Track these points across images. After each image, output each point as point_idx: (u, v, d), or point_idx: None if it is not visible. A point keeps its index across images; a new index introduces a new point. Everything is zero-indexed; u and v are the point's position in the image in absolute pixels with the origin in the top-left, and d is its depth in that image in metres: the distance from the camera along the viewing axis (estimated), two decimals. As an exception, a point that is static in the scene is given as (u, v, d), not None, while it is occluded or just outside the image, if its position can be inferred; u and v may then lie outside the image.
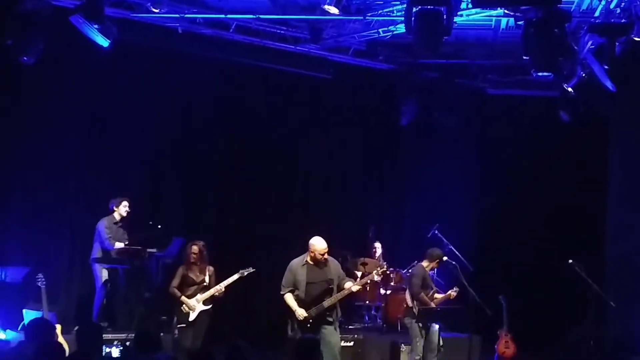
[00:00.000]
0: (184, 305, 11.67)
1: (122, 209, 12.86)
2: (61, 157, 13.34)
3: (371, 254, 15.09)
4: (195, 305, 11.67)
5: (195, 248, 11.77)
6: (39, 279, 11.18)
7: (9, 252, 12.27)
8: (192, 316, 11.69)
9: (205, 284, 11.77)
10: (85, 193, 13.52)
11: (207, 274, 11.84)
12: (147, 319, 12.48)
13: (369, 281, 12.10)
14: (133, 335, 11.08)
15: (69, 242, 13.43)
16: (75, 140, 13.57)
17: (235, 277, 11.81)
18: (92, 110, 13.75)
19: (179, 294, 11.70)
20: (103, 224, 12.71)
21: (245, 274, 11.86)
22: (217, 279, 11.88)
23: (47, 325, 8.25)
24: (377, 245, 15.17)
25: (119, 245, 12.60)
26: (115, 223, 12.86)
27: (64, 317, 12.07)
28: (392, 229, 16.42)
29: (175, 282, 11.77)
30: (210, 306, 11.78)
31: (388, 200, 16.70)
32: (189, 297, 11.70)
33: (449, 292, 12.11)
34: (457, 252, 13.70)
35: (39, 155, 13.08)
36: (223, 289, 11.74)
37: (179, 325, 11.72)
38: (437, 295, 12.10)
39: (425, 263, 12.11)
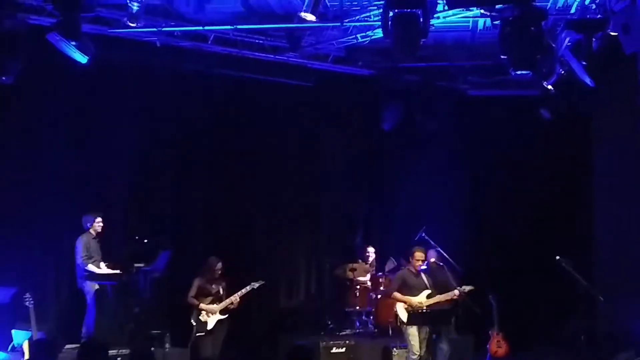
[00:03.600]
0: (202, 314, 12.15)
1: (97, 226, 12.84)
2: (45, 175, 13.31)
3: (364, 259, 15.10)
4: (215, 312, 12.19)
5: (220, 265, 12.42)
6: (27, 299, 11.15)
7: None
8: (210, 324, 12.24)
9: (219, 295, 12.35)
10: (71, 211, 13.43)
11: (221, 286, 12.44)
12: (138, 334, 12.47)
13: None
14: (124, 351, 11.18)
15: (55, 261, 13.38)
16: (59, 158, 13.53)
17: (248, 288, 12.40)
18: (75, 127, 13.74)
19: (197, 302, 12.25)
20: (80, 243, 12.66)
21: (257, 286, 12.44)
22: (229, 291, 12.43)
23: (53, 345, 8.30)
24: (370, 250, 15.22)
25: (92, 267, 12.56)
26: (94, 238, 12.83)
27: (54, 336, 11.98)
28: (379, 233, 16.42)
29: (192, 292, 12.34)
30: (226, 315, 12.34)
31: (374, 205, 16.71)
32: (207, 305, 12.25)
33: (453, 291, 12.12)
34: (445, 254, 13.72)
35: (23, 175, 13.05)
36: (238, 300, 12.30)
37: (197, 334, 12.18)
38: (438, 296, 12.08)
39: (409, 265, 12.18)
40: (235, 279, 12.49)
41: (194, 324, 12.24)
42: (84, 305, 12.63)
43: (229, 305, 12.30)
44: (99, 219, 12.82)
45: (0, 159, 12.84)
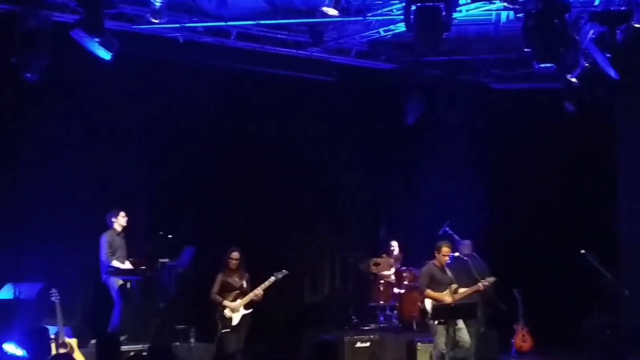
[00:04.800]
0: (227, 311, 12.13)
1: (122, 220, 12.90)
2: (70, 172, 13.36)
3: (389, 254, 15.09)
4: (239, 309, 12.15)
5: (236, 254, 12.32)
6: (53, 294, 11.21)
7: (22, 268, 12.27)
8: (235, 320, 12.21)
9: (243, 289, 12.28)
10: (95, 206, 13.52)
11: (244, 279, 12.35)
12: (162, 329, 12.55)
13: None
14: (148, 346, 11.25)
15: (82, 256, 13.45)
16: (84, 154, 13.60)
17: (272, 280, 12.31)
18: (98, 123, 13.80)
19: (220, 299, 12.21)
20: (104, 239, 12.74)
21: (280, 277, 12.34)
22: (253, 284, 12.36)
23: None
24: (394, 244, 15.21)
25: (116, 263, 12.64)
26: (118, 234, 12.89)
27: (80, 331, 12.09)
28: (403, 228, 16.41)
29: (215, 288, 12.30)
30: (250, 310, 12.30)
31: (398, 200, 16.70)
32: (230, 302, 12.20)
33: (478, 284, 12.09)
34: (469, 241, 13.68)
35: (48, 171, 13.10)
36: (262, 293, 12.23)
37: (222, 331, 12.14)
38: (461, 290, 12.05)
39: (435, 260, 12.14)
40: (260, 274, 12.46)
41: (218, 321, 12.20)
42: (110, 301, 12.72)
43: (253, 298, 12.26)
44: (122, 213, 12.88)
45: (26, 155, 12.92)
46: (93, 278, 13.31)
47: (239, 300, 12.21)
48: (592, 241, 13.31)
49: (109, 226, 12.88)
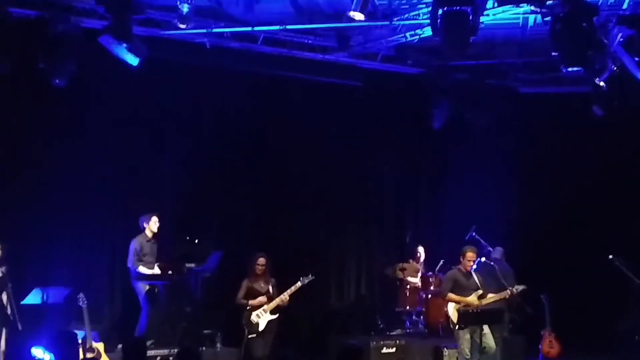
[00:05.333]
0: (253, 316, 12.14)
1: (153, 225, 12.92)
2: (97, 176, 13.45)
3: (415, 259, 15.06)
4: (264, 314, 12.15)
5: (262, 260, 12.32)
6: (80, 299, 11.26)
7: (50, 273, 12.36)
8: (262, 326, 12.20)
9: (269, 294, 12.27)
10: (123, 211, 13.61)
11: (270, 284, 12.35)
12: (189, 334, 12.57)
13: None
14: (176, 351, 11.29)
15: (109, 261, 13.55)
16: (111, 159, 13.68)
17: (298, 285, 12.30)
18: (126, 129, 13.84)
19: (246, 302, 12.20)
20: (134, 245, 12.77)
21: (306, 281, 12.33)
22: (278, 290, 12.36)
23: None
24: (420, 249, 15.17)
25: (142, 269, 12.67)
26: (148, 240, 12.91)
27: (107, 335, 12.16)
28: (430, 232, 16.37)
29: (241, 293, 12.31)
30: (277, 315, 12.29)
31: (425, 204, 16.67)
32: (256, 308, 12.19)
33: (505, 291, 12.03)
34: (501, 248, 13.62)
35: (76, 176, 13.18)
36: (288, 298, 12.23)
37: (249, 336, 12.13)
38: (490, 295, 11.99)
39: (460, 265, 12.10)
40: (286, 279, 12.46)
41: (245, 326, 12.17)
42: (137, 305, 12.75)
43: (279, 304, 12.25)
44: (155, 218, 12.91)
45: (54, 160, 12.99)
46: (120, 283, 13.40)
47: (265, 306, 12.20)
48: (620, 246, 13.18)
49: (141, 229, 12.93)
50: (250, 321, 12.15)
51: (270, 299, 12.24)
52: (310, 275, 12.35)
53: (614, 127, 14.76)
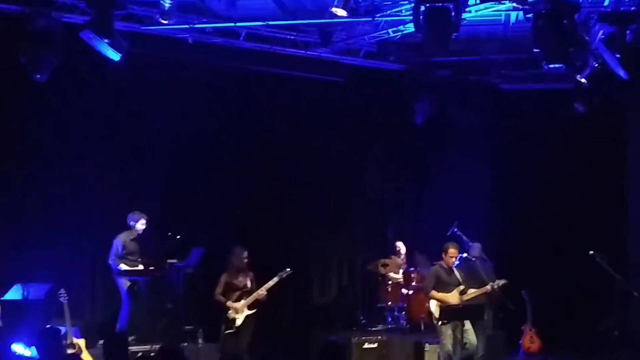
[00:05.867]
0: (230, 312, 12.06)
1: (140, 226, 12.91)
2: (79, 171, 13.41)
3: (396, 254, 15.08)
4: (242, 310, 12.07)
5: (246, 253, 12.26)
6: (61, 295, 11.22)
7: (30, 268, 12.30)
8: (239, 321, 12.13)
9: (247, 289, 12.20)
10: (104, 206, 13.57)
11: (248, 278, 12.27)
12: (171, 330, 12.55)
13: None
14: (157, 346, 11.25)
15: (90, 257, 13.49)
16: (93, 154, 13.63)
17: (275, 279, 12.21)
18: (108, 124, 13.81)
19: (224, 300, 12.13)
20: (118, 242, 12.77)
21: (284, 276, 12.25)
22: (257, 283, 12.27)
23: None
24: (400, 244, 15.19)
25: (124, 266, 12.66)
26: (133, 239, 12.89)
27: (89, 331, 12.12)
28: (411, 228, 16.40)
29: (219, 289, 12.21)
30: (254, 310, 12.20)
31: (406, 200, 16.70)
32: (234, 302, 12.13)
33: (486, 286, 12.09)
34: (479, 243, 13.65)
35: (57, 172, 13.14)
36: (265, 293, 12.14)
37: (226, 332, 12.08)
38: (471, 291, 12.04)
39: (442, 261, 12.14)
40: (269, 275, 12.42)
41: (222, 322, 12.17)
42: (119, 301, 12.74)
43: (257, 298, 12.17)
44: (143, 221, 12.90)
45: (35, 156, 12.95)
46: (101, 278, 13.37)
47: (242, 301, 12.15)
48: (601, 242, 13.25)
49: (128, 226, 12.90)
50: (227, 316, 12.10)
51: (248, 293, 12.16)
52: (287, 270, 12.27)
53: (594, 123, 14.83)
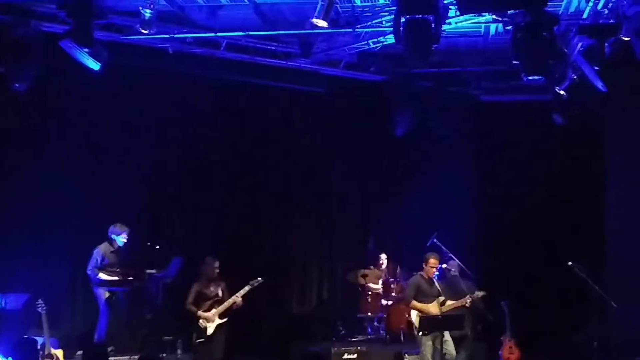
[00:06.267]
0: (201, 321, 12.16)
1: (121, 240, 12.86)
2: (58, 182, 13.35)
3: (377, 265, 15.08)
4: (213, 319, 12.14)
5: (217, 263, 12.42)
6: (39, 305, 11.18)
7: (9, 279, 12.23)
8: (210, 330, 12.23)
9: (218, 297, 12.34)
10: (84, 216, 13.51)
11: (220, 287, 12.42)
12: (150, 340, 12.50)
13: None
14: (136, 357, 11.22)
15: (69, 267, 13.45)
16: (72, 164, 13.58)
17: (247, 288, 12.34)
18: (88, 134, 13.80)
19: (195, 309, 12.24)
20: (97, 254, 12.70)
21: (255, 284, 12.37)
22: (229, 292, 12.40)
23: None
24: (383, 256, 15.19)
25: (103, 276, 12.59)
26: (112, 252, 12.84)
27: (67, 342, 12.05)
28: (392, 239, 16.39)
29: (191, 298, 12.36)
30: (226, 319, 12.29)
31: (387, 211, 16.68)
32: (205, 312, 12.25)
33: (465, 298, 12.12)
34: (457, 260, 13.69)
35: (36, 182, 13.09)
36: (241, 300, 12.29)
37: (197, 341, 12.17)
38: (448, 302, 12.07)
39: (422, 271, 12.16)
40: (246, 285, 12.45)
41: (193, 331, 12.25)
42: (97, 311, 12.67)
43: (233, 306, 12.26)
44: (125, 235, 12.85)
45: (14, 166, 12.89)
46: (80, 289, 13.32)
47: (213, 310, 12.23)
48: (580, 253, 13.32)
49: (108, 237, 12.83)
50: (199, 325, 12.20)
51: (219, 302, 12.28)
52: (259, 278, 12.40)
53: (573, 135, 14.90)
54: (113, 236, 12.83)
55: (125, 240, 12.87)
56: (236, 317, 12.65)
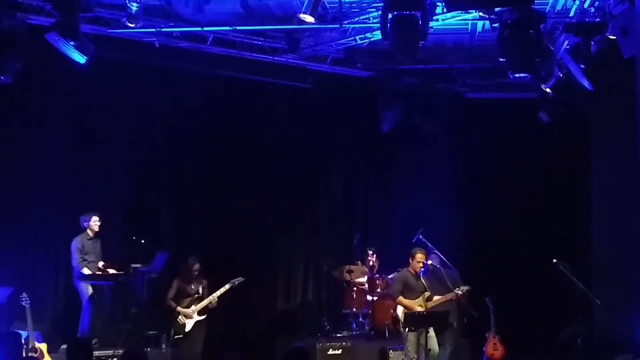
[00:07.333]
0: (180, 317, 12.12)
1: (94, 225, 12.79)
2: (43, 175, 13.31)
3: (363, 261, 15.08)
4: (192, 315, 12.09)
5: (198, 265, 12.36)
6: (23, 299, 11.14)
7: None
8: (188, 327, 12.19)
9: (198, 295, 12.27)
10: (67, 211, 13.44)
11: (201, 285, 12.34)
12: (134, 334, 12.47)
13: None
14: (120, 351, 11.19)
15: (52, 260, 13.39)
16: (57, 157, 13.53)
17: (227, 287, 12.28)
18: (73, 127, 13.74)
19: (174, 305, 12.19)
20: (76, 244, 12.63)
21: (236, 283, 12.31)
22: (210, 290, 12.31)
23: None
24: (370, 252, 15.18)
25: (86, 270, 12.53)
26: (90, 239, 12.77)
27: (51, 336, 12.01)
28: (378, 235, 16.42)
29: (171, 294, 12.30)
30: (204, 316, 12.24)
31: (373, 207, 16.70)
32: (184, 308, 12.22)
33: (451, 293, 12.14)
34: (442, 256, 13.71)
35: (20, 175, 13.05)
36: (217, 299, 12.16)
37: (175, 337, 12.14)
38: (435, 297, 12.08)
39: (409, 267, 12.18)
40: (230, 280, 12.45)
41: (172, 327, 12.24)
42: (81, 305, 12.63)
43: (209, 305, 12.26)
44: (96, 218, 12.77)
45: (-1, 157, 12.84)
46: (64, 282, 13.25)
47: (193, 307, 12.22)
48: (564, 250, 13.36)
49: (82, 228, 12.78)
50: (177, 322, 12.20)
51: (199, 299, 12.27)
52: (239, 278, 12.39)
53: (559, 133, 14.94)
54: (85, 224, 12.76)
55: (99, 223, 12.78)
56: (221, 313, 12.63)
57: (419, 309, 11.89)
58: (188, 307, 12.26)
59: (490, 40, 13.00)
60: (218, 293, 12.23)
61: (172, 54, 13.78)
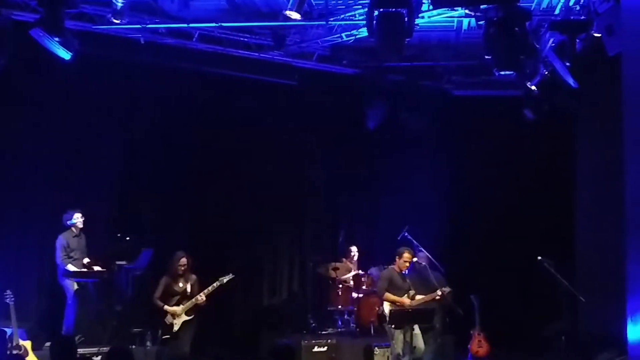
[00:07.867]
0: (167, 316, 11.87)
1: (76, 221, 12.70)
2: (26, 172, 13.26)
3: (349, 258, 15.09)
4: (180, 315, 11.86)
5: (184, 260, 11.99)
6: (8, 296, 11.09)
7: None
8: (176, 326, 11.92)
9: (187, 293, 11.98)
10: (52, 207, 13.39)
11: (189, 283, 12.04)
12: (119, 332, 12.43)
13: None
14: (105, 349, 11.15)
15: (37, 258, 13.33)
16: (41, 154, 13.48)
17: (215, 285, 11.99)
18: (57, 124, 13.66)
19: (161, 304, 11.91)
20: (60, 241, 12.55)
21: (225, 280, 12.05)
22: (199, 287, 12.06)
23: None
24: (353, 248, 15.20)
25: (71, 267, 12.46)
26: (75, 236, 12.71)
27: (35, 333, 11.95)
28: (364, 232, 16.44)
29: (158, 292, 11.99)
30: (192, 316, 11.98)
31: (359, 204, 16.71)
32: (172, 307, 11.94)
33: (436, 292, 12.15)
34: (427, 254, 13.71)
35: (3, 172, 12.98)
36: (204, 298, 11.90)
37: (163, 337, 11.91)
38: (418, 296, 12.10)
39: (394, 265, 12.18)
40: (217, 278, 12.36)
41: (159, 326, 12.01)
42: (65, 303, 12.58)
43: (196, 303, 11.94)
44: (78, 215, 12.68)
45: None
46: (48, 280, 13.18)
47: (181, 306, 11.93)
48: (549, 248, 13.39)
49: (65, 226, 12.73)
50: (165, 322, 11.90)
51: (187, 298, 11.94)
52: (229, 275, 12.10)
53: (544, 131, 14.98)
54: (68, 222, 12.69)
55: (82, 219, 12.68)
56: (206, 310, 12.57)
57: (408, 301, 11.90)
58: (177, 305, 11.93)
59: (476, 37, 13.05)
60: (206, 292, 11.94)
61: (158, 50, 13.73)
